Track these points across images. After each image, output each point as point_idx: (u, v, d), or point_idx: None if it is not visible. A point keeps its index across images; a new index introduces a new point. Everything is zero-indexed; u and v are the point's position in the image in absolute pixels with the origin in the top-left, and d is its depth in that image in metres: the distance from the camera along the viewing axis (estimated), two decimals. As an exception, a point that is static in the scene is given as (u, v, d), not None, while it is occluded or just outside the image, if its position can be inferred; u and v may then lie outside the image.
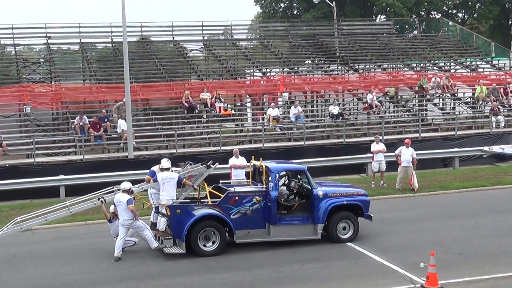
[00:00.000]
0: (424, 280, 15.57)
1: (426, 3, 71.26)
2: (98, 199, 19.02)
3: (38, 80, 42.25)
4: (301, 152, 32.19)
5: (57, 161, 31.04)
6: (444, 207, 24.60)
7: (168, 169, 19.33)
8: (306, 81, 43.08)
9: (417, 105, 41.67)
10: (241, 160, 25.10)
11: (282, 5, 76.55)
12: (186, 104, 35.83)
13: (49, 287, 16.38)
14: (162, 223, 19.17)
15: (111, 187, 19.45)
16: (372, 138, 30.87)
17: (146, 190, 19.99)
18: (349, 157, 31.99)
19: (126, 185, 18.89)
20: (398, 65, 47.21)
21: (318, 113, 41.21)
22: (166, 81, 40.40)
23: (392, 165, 28.64)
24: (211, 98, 36.72)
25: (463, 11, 77.59)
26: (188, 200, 19.55)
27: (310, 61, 47.57)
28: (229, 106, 38.00)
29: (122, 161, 30.53)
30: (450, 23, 59.80)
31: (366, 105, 38.87)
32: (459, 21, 73.25)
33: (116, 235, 18.86)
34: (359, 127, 37.71)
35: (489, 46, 51.13)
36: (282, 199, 19.78)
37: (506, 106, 40.54)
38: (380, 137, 31.17)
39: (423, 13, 72.43)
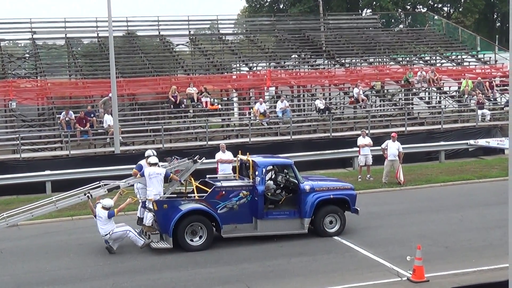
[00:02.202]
0: (410, 273, 15.66)
1: (411, -3, 71.52)
2: (85, 194, 18.96)
3: (24, 75, 42.10)
4: (288, 146, 32.22)
5: (43, 156, 30.92)
6: (430, 201, 24.70)
7: (155, 164, 19.31)
8: (292, 75, 43.12)
9: (403, 99, 41.80)
10: (228, 155, 25.11)
11: (268, -1, 76.63)
12: (172, 99, 35.76)
13: (35, 283, 16.33)
14: (148, 218, 19.15)
15: (98, 182, 19.40)
16: (359, 132, 30.92)
17: (133, 185, 19.95)
18: (336, 151, 32.02)
19: (108, 202, 18.70)
20: (384, 59, 47.37)
21: (304, 107, 41.29)
22: (152, 76, 40.35)
23: (379, 159, 28.72)
24: (198, 92, 36.68)
25: (449, 5, 77.85)
26: (175, 195, 19.55)
27: (296, 56, 47.60)
28: (215, 100, 37.98)
29: (109, 156, 30.47)
30: (436, 17, 59.97)
31: (353, 99, 38.92)
32: (445, 15, 73.50)
33: (102, 230, 18.86)
34: (345, 121, 37.76)
35: (474, 40, 51.29)
36: (269, 194, 19.83)
37: (492, 99, 40.73)
38: (367, 131, 31.24)
39: (408, 7, 72.65)
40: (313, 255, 17.99)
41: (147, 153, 20.15)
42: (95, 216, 19.00)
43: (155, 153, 20.20)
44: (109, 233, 18.41)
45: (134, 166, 20.57)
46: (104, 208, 18.58)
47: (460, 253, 17.83)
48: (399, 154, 27.61)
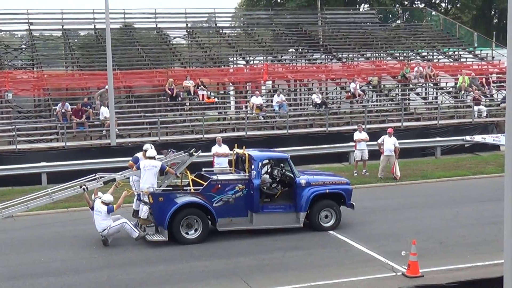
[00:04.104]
0: (405, 269, 15.68)
1: (409, -8, 71.50)
2: (80, 186, 18.94)
3: (20, 66, 42.02)
4: (284, 140, 32.21)
5: (39, 148, 30.86)
6: (426, 196, 24.74)
7: (153, 157, 19.28)
8: (289, 69, 43.06)
9: (399, 94, 41.78)
10: (224, 148, 25.08)
11: (266, -7, 76.41)
12: (169, 91, 35.69)
13: (30, 274, 16.31)
14: (144, 210, 19.15)
15: (94, 174, 19.38)
16: (355, 127, 30.90)
17: (129, 178, 19.94)
18: (332, 145, 32.02)
19: (107, 198, 18.77)
20: (381, 55, 47.36)
21: (301, 101, 41.22)
22: (149, 69, 40.25)
23: (375, 154, 28.73)
24: (194, 86, 36.63)
25: (446, 1, 77.82)
26: (171, 188, 19.56)
27: (293, 50, 47.56)
28: (212, 94, 37.93)
29: (105, 149, 30.41)
30: (433, 12, 59.96)
31: (349, 94, 38.91)
32: (442, 11, 73.46)
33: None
34: (342, 116, 37.76)
35: (471, 36, 51.31)
36: (265, 187, 19.86)
37: (488, 96, 40.75)
38: (363, 126, 31.25)
39: (406, 2, 72.63)
40: (308, 249, 18.01)
41: (145, 147, 20.11)
42: (91, 208, 18.98)
43: (152, 146, 20.17)
44: (106, 228, 18.40)
45: (130, 158, 20.58)
46: (103, 203, 18.57)
47: (455, 248, 17.87)
48: (395, 150, 27.62)
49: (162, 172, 19.28)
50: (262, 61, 43.50)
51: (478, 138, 34.07)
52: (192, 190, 19.11)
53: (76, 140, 31.82)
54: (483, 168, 29.75)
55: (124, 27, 47.94)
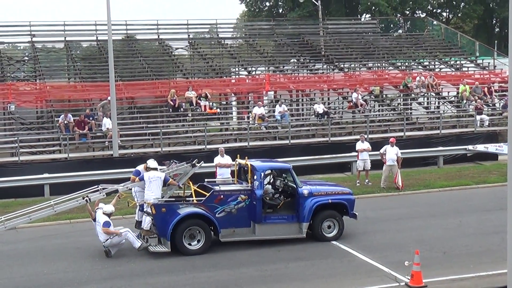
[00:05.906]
0: (408, 279, 15.65)
1: (410, 2, 71.65)
2: (83, 198, 18.93)
3: (23, 78, 42.12)
4: (286, 150, 32.20)
5: (42, 159, 30.89)
6: (429, 206, 24.70)
7: (155, 168, 19.28)
8: (291, 79, 43.08)
9: (402, 104, 41.81)
10: (227, 159, 25.07)
11: (267, 3, 76.68)
12: (171, 102, 35.75)
13: (33, 286, 16.31)
14: (147, 222, 19.12)
15: (96, 186, 19.37)
16: (357, 136, 30.89)
17: (131, 189, 19.93)
18: (334, 155, 32.00)
19: (108, 208, 18.82)
20: (383, 64, 47.36)
21: (303, 111, 41.25)
22: (151, 80, 40.31)
23: (377, 164, 28.71)
24: (197, 96, 36.68)
25: (448, 11, 77.96)
26: (173, 199, 19.53)
27: (295, 60, 47.60)
28: (214, 104, 37.97)
29: (107, 160, 30.44)
30: (435, 22, 60.05)
31: (351, 104, 38.90)
32: (444, 20, 73.58)
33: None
34: (344, 126, 37.79)
35: (473, 45, 51.37)
36: (267, 198, 19.85)
37: (490, 105, 40.76)
38: (365, 136, 31.21)
39: (408, 12, 72.71)
40: (311, 259, 17.98)
41: (148, 161, 20.10)
42: (93, 219, 18.98)
43: (154, 160, 20.14)
44: (109, 238, 18.38)
45: (132, 169, 20.58)
46: (104, 214, 18.58)
47: (458, 258, 17.82)
48: (398, 159, 27.60)
49: (165, 183, 19.28)
50: (264, 72, 43.57)
51: (480, 147, 34.06)
52: (195, 201, 19.10)
53: (78, 152, 31.87)
54: (486, 178, 29.70)
55: (126, 39, 48.03)
